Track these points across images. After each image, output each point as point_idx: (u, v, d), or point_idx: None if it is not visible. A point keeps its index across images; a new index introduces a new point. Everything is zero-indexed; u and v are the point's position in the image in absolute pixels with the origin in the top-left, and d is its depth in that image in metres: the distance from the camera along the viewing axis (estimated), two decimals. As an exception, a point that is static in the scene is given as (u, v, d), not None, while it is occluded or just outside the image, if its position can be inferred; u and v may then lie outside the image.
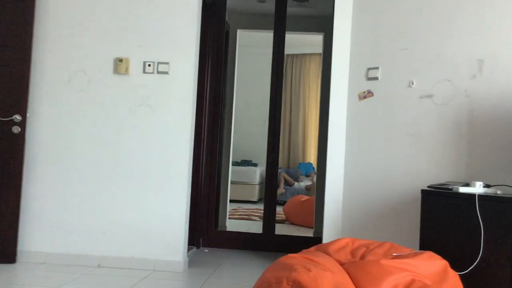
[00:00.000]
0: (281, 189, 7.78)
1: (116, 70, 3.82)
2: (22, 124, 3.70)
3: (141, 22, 3.83)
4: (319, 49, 5.57)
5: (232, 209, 6.85)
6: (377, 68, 3.61)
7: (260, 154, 6.60)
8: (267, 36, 5.03)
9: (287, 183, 8.07)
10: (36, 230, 3.82)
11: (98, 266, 3.75)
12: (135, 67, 3.82)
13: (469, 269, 2.66)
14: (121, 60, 3.80)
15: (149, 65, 3.80)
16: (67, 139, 3.84)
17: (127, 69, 3.81)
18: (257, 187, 8.00)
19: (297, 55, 8.82)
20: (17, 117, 3.69)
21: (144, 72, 3.82)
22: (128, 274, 3.57)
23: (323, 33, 5.32)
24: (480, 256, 2.65)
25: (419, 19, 3.47)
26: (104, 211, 3.79)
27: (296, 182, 8.15)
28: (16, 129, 3.69)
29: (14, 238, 3.69)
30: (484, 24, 3.26)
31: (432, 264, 2.34)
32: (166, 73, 3.80)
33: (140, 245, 3.77)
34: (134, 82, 3.82)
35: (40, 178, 3.83)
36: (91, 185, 3.81)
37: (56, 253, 3.79)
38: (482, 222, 2.67)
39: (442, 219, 2.88)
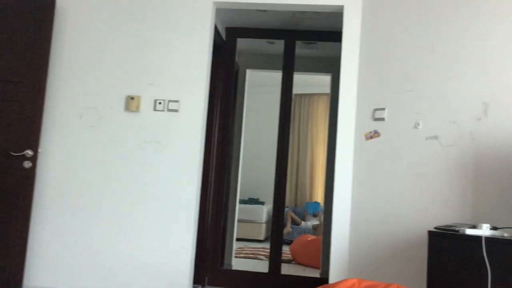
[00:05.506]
0: (288, 228, 7.73)
1: (127, 108, 3.90)
2: (34, 159, 3.76)
3: (152, 61, 3.93)
4: (327, 89, 5.63)
5: (239, 248, 6.80)
6: (384, 109, 3.66)
7: (268, 192, 6.60)
8: (276, 76, 5.11)
9: (294, 222, 8.02)
10: (43, 265, 3.82)
11: (103, 302, 3.74)
12: (146, 104, 3.91)
13: (477, 312, 2.62)
14: (132, 98, 3.88)
15: (160, 103, 3.88)
16: (77, 174, 3.89)
17: (138, 106, 3.89)
18: (264, 226, 7.95)
19: (305, 94, 8.92)
20: (29, 152, 3.75)
21: (154, 109, 3.89)
22: (132, 312, 3.54)
23: (331, 74, 5.39)
24: (488, 300, 2.61)
25: (424, 61, 3.53)
26: (110, 247, 3.80)
27: (303, 222, 8.10)
28: (27, 164, 3.75)
29: (20, 273, 3.69)
30: (489, 67, 3.31)
31: (439, 307, 2.31)
32: (176, 111, 3.87)
33: (145, 282, 3.75)
34: (144, 120, 3.90)
35: (49, 213, 3.87)
36: (98, 221, 3.83)
37: (61, 288, 3.79)
38: (489, 264, 2.65)
39: (449, 261, 2.85)
